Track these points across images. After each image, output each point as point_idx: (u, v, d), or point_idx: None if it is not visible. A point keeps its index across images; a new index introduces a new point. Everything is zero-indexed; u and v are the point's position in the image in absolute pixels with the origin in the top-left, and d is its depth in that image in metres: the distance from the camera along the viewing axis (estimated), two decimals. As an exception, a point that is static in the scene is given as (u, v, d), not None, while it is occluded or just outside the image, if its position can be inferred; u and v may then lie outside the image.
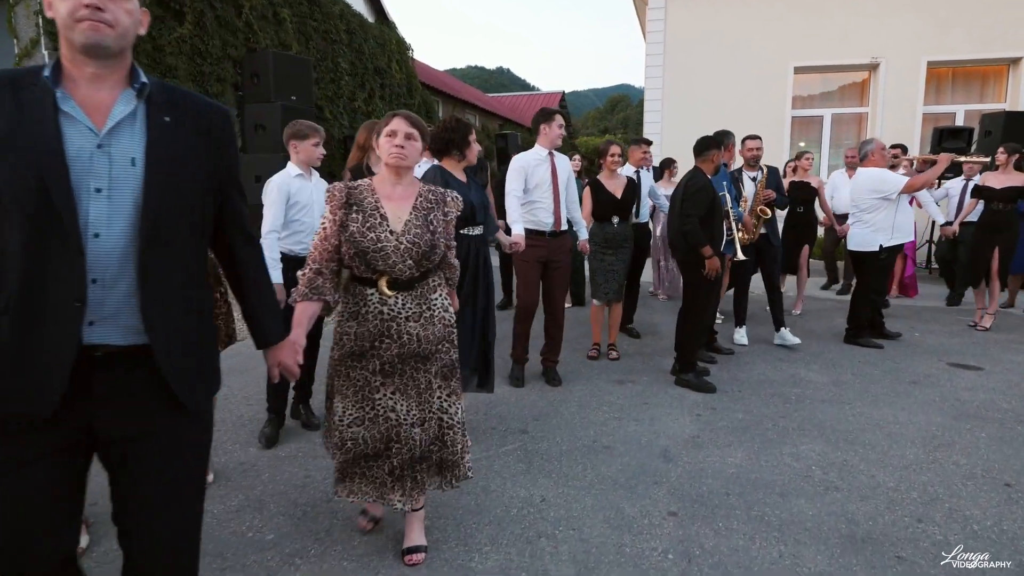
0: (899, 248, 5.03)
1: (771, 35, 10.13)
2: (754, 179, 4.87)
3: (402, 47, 15.06)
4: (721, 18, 10.33)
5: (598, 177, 4.59)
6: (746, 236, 4.72)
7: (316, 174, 3.18)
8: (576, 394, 3.83)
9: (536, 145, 3.90)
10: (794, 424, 3.41)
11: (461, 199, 2.15)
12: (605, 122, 53.44)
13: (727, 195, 4.14)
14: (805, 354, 4.84)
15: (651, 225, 6.87)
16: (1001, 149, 5.65)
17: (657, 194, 5.56)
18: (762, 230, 4.81)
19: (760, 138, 4.99)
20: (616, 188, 4.48)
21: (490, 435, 3.19)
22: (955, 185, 7.04)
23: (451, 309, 2.14)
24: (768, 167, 4.99)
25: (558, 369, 4.13)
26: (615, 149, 4.49)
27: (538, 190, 3.82)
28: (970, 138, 8.06)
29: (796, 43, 10.07)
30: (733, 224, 4.03)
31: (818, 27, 9.97)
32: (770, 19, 10.14)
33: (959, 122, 9.70)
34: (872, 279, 5.08)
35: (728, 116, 10.28)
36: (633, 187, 4.56)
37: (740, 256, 4.16)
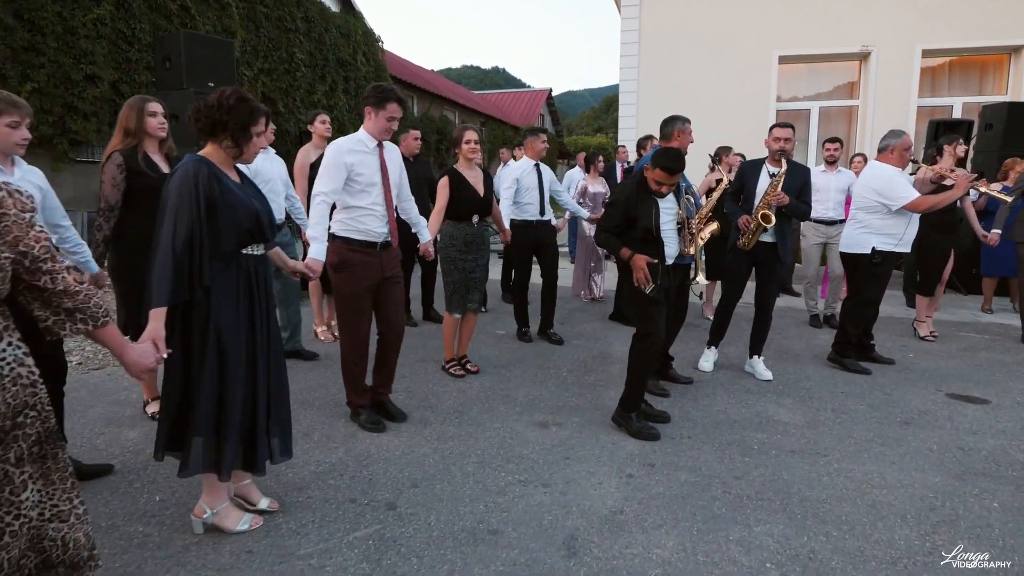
0: (898, 256, 4.26)
1: (753, 22, 9.38)
2: (773, 176, 3.94)
3: (370, 39, 14.26)
4: (700, 4, 9.58)
5: (456, 168, 3.87)
6: (742, 240, 3.95)
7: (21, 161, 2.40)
8: (482, 443, 3.04)
9: (361, 130, 3.00)
10: (751, 489, 2.64)
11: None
12: (600, 121, 52.80)
13: (690, 198, 3.33)
14: (778, 383, 4.07)
15: (582, 226, 6.27)
16: (946, 142, 5.22)
17: (564, 200, 5.27)
18: (769, 238, 3.94)
19: (791, 127, 4.00)
20: (477, 182, 3.89)
21: (343, 512, 2.40)
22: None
23: (28, 362, 1.41)
24: (798, 165, 4.04)
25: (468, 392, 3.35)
26: (470, 135, 3.81)
27: (364, 194, 2.95)
28: (969, 132, 7.32)
29: (780, 31, 9.32)
30: (686, 235, 3.22)
31: (804, 13, 9.23)
32: (752, 5, 9.39)
33: (956, 116, 8.96)
34: (863, 288, 4.31)
35: (708, 110, 9.52)
36: (491, 182, 4.01)
37: (699, 280, 3.36)
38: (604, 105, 59.10)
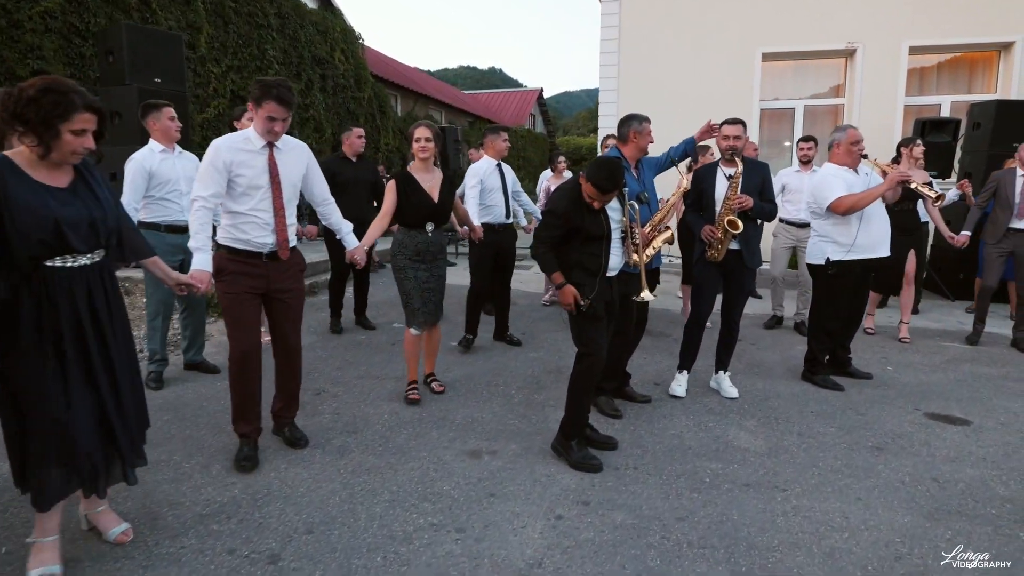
0: (861, 264, 3.96)
1: (736, 17, 9.08)
2: (729, 177, 3.60)
3: (349, 36, 13.90)
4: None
5: (409, 170, 3.47)
6: (711, 252, 3.59)
7: None
8: (401, 477, 2.72)
9: (251, 127, 2.64)
10: (695, 534, 2.32)
11: None
12: (595, 122, 52.25)
13: (633, 204, 2.99)
14: (744, 401, 3.75)
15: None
16: (902, 144, 5.23)
17: (523, 200, 5.01)
18: (734, 245, 3.59)
19: (741, 123, 3.64)
20: (433, 186, 3.46)
21: (215, 568, 2.07)
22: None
23: None
24: (755, 162, 3.72)
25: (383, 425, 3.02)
26: (421, 132, 3.39)
27: (245, 198, 2.60)
28: (956, 131, 7.03)
29: (764, 26, 9.02)
30: (630, 244, 2.88)
31: (788, 8, 8.93)
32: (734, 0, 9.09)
33: (945, 114, 8.68)
34: (821, 301, 4.01)
35: (689, 108, 9.20)
36: (451, 185, 3.55)
37: (645, 296, 3.01)
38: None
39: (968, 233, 5.03)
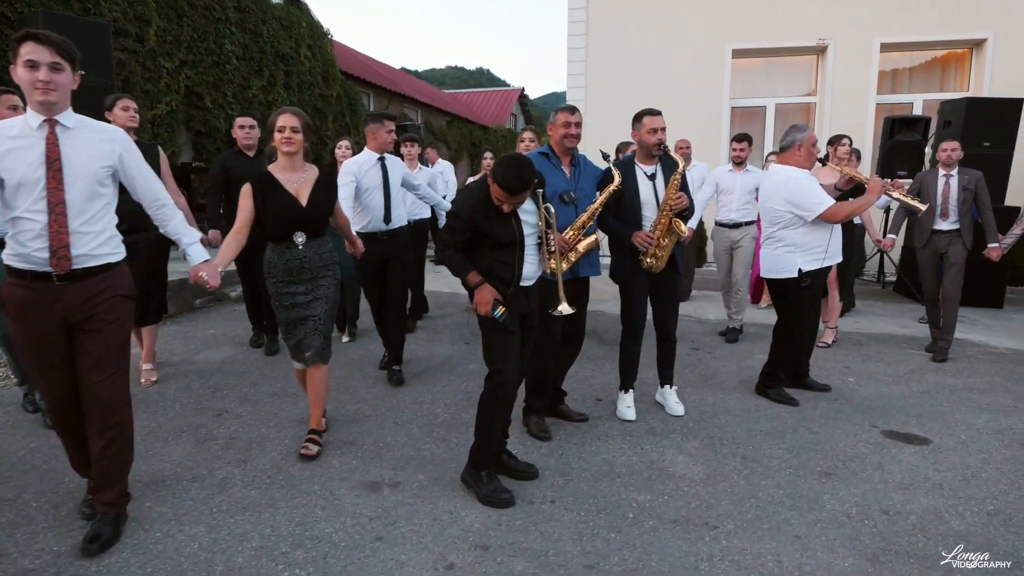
0: (826, 271, 3.70)
1: (705, 13, 8.83)
2: (652, 176, 3.26)
3: (316, 32, 13.50)
4: (650, -7, 9.00)
5: (270, 169, 2.81)
6: (648, 260, 3.23)
7: None
8: (280, 516, 2.38)
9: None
10: (602, 586, 2.01)
11: None
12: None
13: (549, 207, 2.63)
14: (690, 419, 3.46)
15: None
16: (829, 142, 5.06)
17: (423, 193, 4.34)
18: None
19: (660, 114, 3.25)
20: (300, 187, 2.78)
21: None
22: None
23: None
24: (671, 159, 3.28)
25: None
26: (286, 120, 2.71)
27: (17, 196, 2.01)
28: (926, 129, 6.83)
29: (733, 23, 8.78)
30: (547, 251, 2.55)
31: (757, 5, 8.69)
32: (704, -6, 8.84)
33: (917, 113, 8.49)
34: (795, 315, 3.73)
35: (658, 105, 8.93)
36: (330, 184, 2.89)
37: (563, 309, 2.64)
38: (584, 105, 58.96)
39: (894, 236, 4.85)
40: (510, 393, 2.50)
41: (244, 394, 3.65)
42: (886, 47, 8.51)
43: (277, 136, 2.74)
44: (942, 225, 4.67)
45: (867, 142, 8.44)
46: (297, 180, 2.80)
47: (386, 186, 3.84)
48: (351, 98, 14.82)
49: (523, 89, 30.29)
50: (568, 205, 3.00)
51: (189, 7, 9.84)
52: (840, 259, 3.75)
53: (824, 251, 3.51)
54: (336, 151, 4.78)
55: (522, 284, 2.52)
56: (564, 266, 2.99)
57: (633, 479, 2.74)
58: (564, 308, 2.56)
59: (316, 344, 2.86)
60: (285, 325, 2.87)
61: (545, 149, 3.04)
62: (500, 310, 2.42)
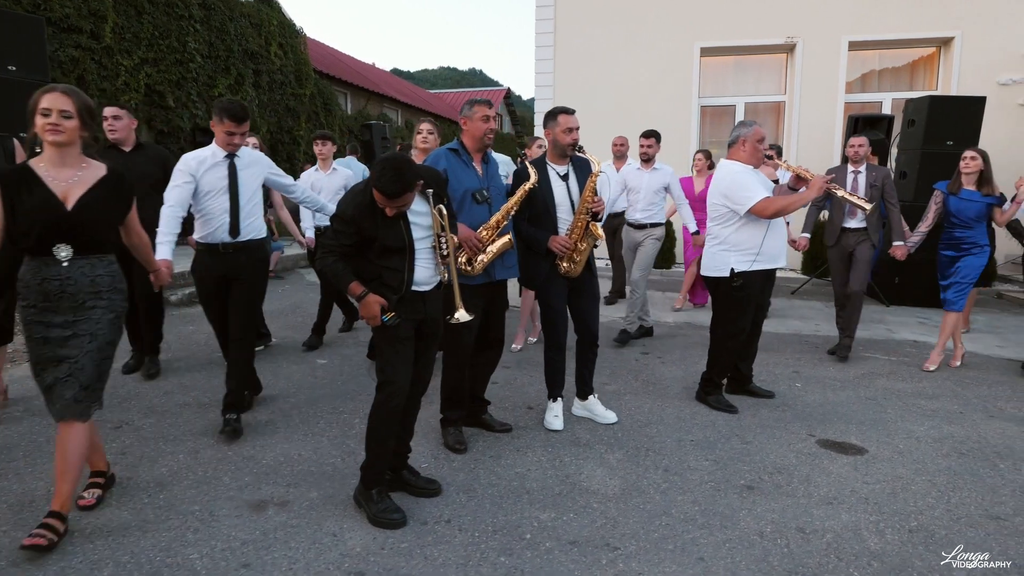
0: (766, 274, 3.56)
1: (673, 11, 8.72)
2: (564, 177, 3.11)
3: (288, 30, 13.29)
4: (617, -9, 8.88)
5: (31, 164, 2.18)
6: (566, 265, 3.08)
7: None
8: (144, 542, 2.19)
9: None
10: (474, 618, 1.85)
11: None
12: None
13: (441, 208, 2.41)
14: (620, 428, 3.30)
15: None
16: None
17: (298, 196, 3.57)
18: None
19: (575, 113, 3.15)
20: (70, 187, 2.16)
21: None
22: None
23: None
24: (583, 159, 3.17)
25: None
26: (53, 100, 2.09)
27: None
28: (890, 128, 6.74)
29: (702, 21, 8.67)
30: (439, 255, 2.36)
31: (726, 2, 8.58)
32: (672, -8, 8.73)
33: (887, 112, 8.40)
34: (725, 317, 3.59)
35: (627, 105, 8.81)
36: (120, 188, 2.28)
37: (460, 316, 2.41)
38: (574, 106, 59.11)
39: (807, 235, 4.72)
40: (400, 405, 2.33)
41: (152, 404, 3.46)
42: (854, 45, 8.43)
43: (40, 121, 2.09)
44: (851, 223, 4.56)
45: (836, 141, 8.35)
46: (68, 178, 2.17)
47: (233, 190, 3.10)
48: (326, 98, 14.61)
49: (509, 89, 30.13)
50: (481, 204, 2.85)
51: (149, 4, 9.62)
52: (782, 263, 3.59)
53: (756, 252, 3.37)
54: (417, 136, 3.84)
55: (417, 290, 2.36)
56: (478, 268, 2.84)
57: (542, 495, 2.58)
58: (461, 315, 2.39)
59: (69, 395, 2.14)
60: (34, 365, 2.21)
61: (455, 145, 2.87)
62: (389, 314, 2.26)
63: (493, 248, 2.78)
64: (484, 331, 3.01)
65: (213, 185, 3.09)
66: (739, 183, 3.32)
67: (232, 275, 3.12)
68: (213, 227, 3.10)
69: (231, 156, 3.13)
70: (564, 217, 3.11)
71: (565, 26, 9.01)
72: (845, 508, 2.53)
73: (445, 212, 2.33)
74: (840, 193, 3.73)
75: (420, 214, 2.33)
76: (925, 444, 3.16)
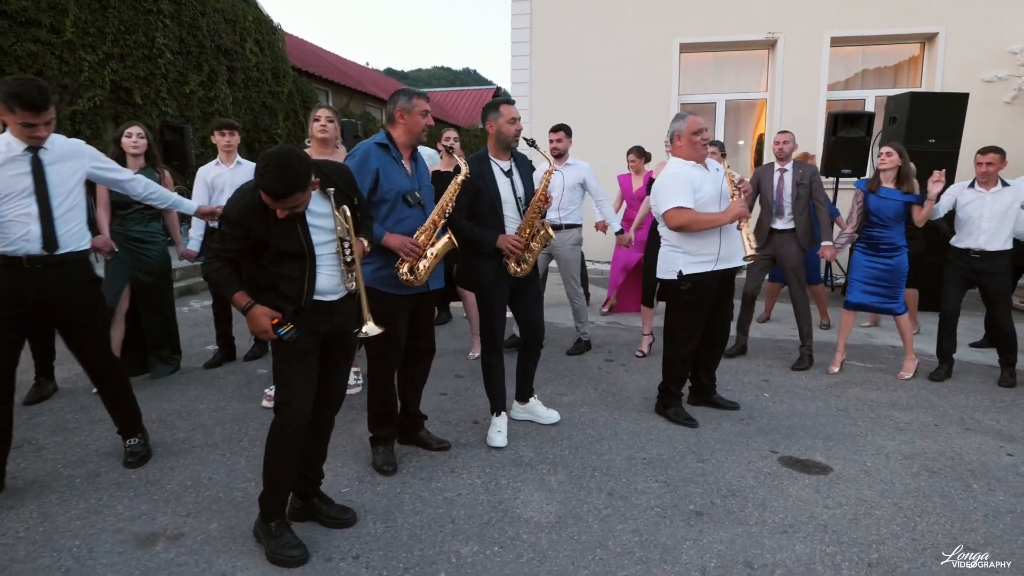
0: (722, 275, 3.32)
1: (651, 5, 8.48)
2: (508, 173, 2.93)
3: (264, 26, 13.00)
4: (594, -14, 8.64)
5: None
6: (515, 266, 2.89)
7: None
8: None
9: None
10: None
11: None
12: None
13: (346, 208, 2.14)
14: (568, 445, 3.07)
15: None
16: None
17: (144, 193, 2.94)
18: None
19: (514, 104, 2.99)
20: None
21: None
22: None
23: None
24: (522, 155, 3.05)
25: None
26: None
27: None
28: (870, 125, 6.52)
29: (681, 15, 8.44)
30: (343, 261, 2.10)
31: (706, -4, 8.36)
32: (650, -14, 8.50)
33: (869, 109, 8.20)
34: (675, 323, 3.37)
35: (605, 102, 8.57)
36: None
37: (368, 329, 2.13)
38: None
39: (828, 243, 4.43)
40: (300, 429, 2.08)
41: (63, 421, 3.20)
42: (837, 41, 8.22)
43: None
44: (778, 224, 4.36)
45: (818, 139, 8.13)
46: None
47: (41, 191, 2.45)
48: (304, 95, 14.31)
49: (498, 88, 29.83)
50: (414, 207, 2.60)
51: (115, -2, 9.32)
52: (735, 264, 3.32)
53: (717, 254, 3.14)
54: (314, 124, 3.31)
55: (322, 299, 2.11)
56: (422, 276, 2.61)
57: (468, 525, 2.34)
58: (370, 328, 2.14)
59: None
60: None
61: (383, 139, 2.62)
62: (286, 327, 2.01)
63: (434, 251, 2.56)
64: (412, 341, 2.77)
65: (9, 187, 2.40)
66: (664, 184, 3.13)
67: (46, 297, 2.47)
68: (12, 237, 2.40)
69: (34, 149, 2.45)
70: (510, 215, 2.92)
71: (542, 19, 8.77)
72: (800, 537, 2.30)
73: (349, 213, 2.09)
74: (744, 231, 3.24)
75: (321, 216, 2.08)
76: (895, 461, 2.94)
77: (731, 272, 3.35)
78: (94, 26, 9.04)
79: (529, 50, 8.86)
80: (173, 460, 2.80)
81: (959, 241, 4.08)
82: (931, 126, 6.09)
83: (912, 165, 4.21)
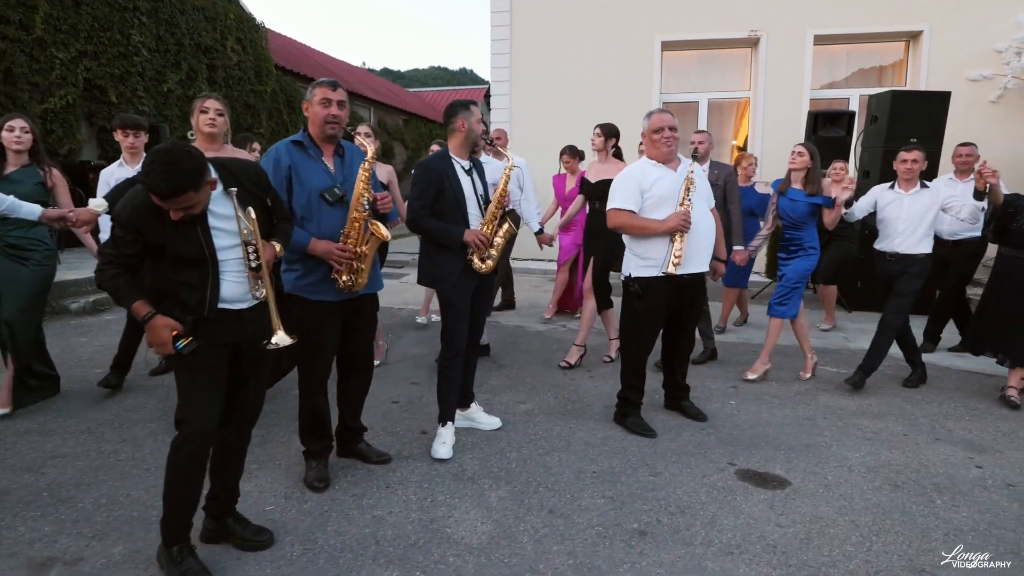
0: (677, 280, 3.17)
1: (633, 3, 8.35)
2: (468, 171, 2.90)
3: (246, 24, 12.82)
4: (575, -18, 8.50)
5: None
6: (478, 263, 2.81)
7: None
8: None
9: None
10: None
11: None
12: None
13: (250, 209, 1.99)
14: (516, 457, 2.92)
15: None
16: (597, 131, 4.30)
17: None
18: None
19: (477, 105, 2.99)
20: None
21: None
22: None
23: None
24: (481, 159, 3.10)
25: None
26: None
27: None
28: (850, 124, 6.40)
29: (663, 12, 8.32)
30: (248, 267, 1.94)
31: (687, -7, 8.24)
32: (631, -17, 8.37)
33: (853, 108, 8.08)
34: (624, 325, 3.25)
35: (587, 100, 8.42)
36: None
37: (277, 340, 1.96)
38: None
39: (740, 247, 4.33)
40: (201, 448, 1.93)
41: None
42: (820, 39, 8.10)
43: None
44: None
45: (802, 138, 8.02)
46: None
47: None
48: (289, 94, 14.14)
49: (489, 87, 29.67)
50: (334, 205, 2.45)
51: (88, -7, 9.14)
52: (694, 269, 3.13)
53: (663, 259, 3.01)
54: (201, 117, 2.80)
55: (228, 308, 1.96)
56: (358, 280, 2.48)
57: (392, 546, 2.20)
58: (280, 339, 1.99)
59: None
60: None
61: (300, 137, 2.47)
62: (184, 340, 1.86)
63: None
64: (348, 352, 2.62)
65: None
66: (615, 183, 3.16)
67: None
68: None
69: None
70: (473, 212, 2.89)
71: (521, 16, 8.63)
72: (746, 559, 2.15)
73: (254, 215, 1.94)
74: (675, 245, 3.05)
75: (224, 218, 1.93)
76: (857, 475, 2.80)
77: (693, 279, 3.19)
78: (66, 23, 8.86)
79: (509, 47, 8.72)
80: (93, 475, 2.64)
81: (878, 243, 3.96)
82: (913, 125, 5.96)
83: (821, 168, 4.07)
